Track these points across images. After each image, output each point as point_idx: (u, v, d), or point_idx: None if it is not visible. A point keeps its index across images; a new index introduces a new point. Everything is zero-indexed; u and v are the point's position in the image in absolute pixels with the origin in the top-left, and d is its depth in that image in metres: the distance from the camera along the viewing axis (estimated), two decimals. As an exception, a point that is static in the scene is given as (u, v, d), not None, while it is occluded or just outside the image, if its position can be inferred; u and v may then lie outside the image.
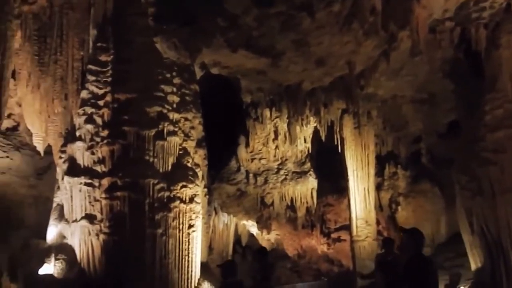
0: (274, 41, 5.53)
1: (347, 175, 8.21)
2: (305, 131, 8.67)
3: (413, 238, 3.08)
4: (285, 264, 9.14)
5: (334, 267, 9.45)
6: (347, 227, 8.69)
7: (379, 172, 9.31)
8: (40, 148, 7.54)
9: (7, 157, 8.14)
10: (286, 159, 8.87)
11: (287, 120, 7.74)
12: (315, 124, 8.44)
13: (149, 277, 6.05)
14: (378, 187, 9.24)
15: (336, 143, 8.18)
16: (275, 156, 8.80)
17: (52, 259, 6.43)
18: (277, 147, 8.74)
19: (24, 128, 8.08)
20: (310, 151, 8.98)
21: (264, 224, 8.66)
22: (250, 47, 5.59)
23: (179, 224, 6.32)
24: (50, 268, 6.38)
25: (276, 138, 8.65)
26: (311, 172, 8.87)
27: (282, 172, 8.80)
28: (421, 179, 9.33)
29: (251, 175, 8.67)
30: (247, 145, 8.64)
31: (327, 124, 8.05)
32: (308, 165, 8.92)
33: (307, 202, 8.85)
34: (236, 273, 4.10)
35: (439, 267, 7.02)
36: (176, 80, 6.74)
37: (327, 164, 9.13)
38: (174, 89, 6.70)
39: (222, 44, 5.53)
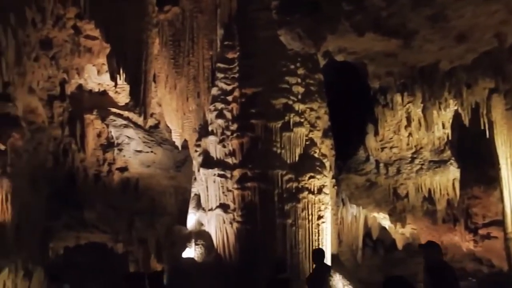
0: (406, 19, 5.28)
1: (498, 164, 7.39)
2: (444, 116, 8.08)
3: (432, 250, 3.38)
4: (422, 261, 8.69)
5: (483, 267, 8.68)
6: (499, 223, 7.85)
7: (541, 160, 8.14)
8: (178, 143, 8.62)
9: (151, 152, 9.51)
10: (421, 147, 8.40)
11: (422, 105, 7.32)
12: (455, 107, 7.79)
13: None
14: (540, 177, 8.09)
15: (482, 127, 7.42)
16: (408, 144, 8.40)
17: (193, 244, 7.32)
18: (410, 134, 8.33)
19: (164, 126, 9.32)
20: (450, 138, 8.32)
21: (397, 217, 8.39)
22: (379, 29, 5.44)
23: (308, 215, 6.59)
24: (191, 252, 7.28)
25: (409, 124, 8.25)
26: (452, 161, 8.23)
27: (417, 161, 8.37)
28: None
29: (381, 165, 8.45)
30: (376, 133, 8.43)
31: (471, 106, 7.34)
32: (448, 153, 8.29)
33: (448, 194, 8.25)
34: (286, 270, 4.22)
35: None
36: (300, 71, 6.99)
37: (472, 152, 8.34)
38: (299, 80, 6.96)
39: (347, 29, 5.51)
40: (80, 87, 9.07)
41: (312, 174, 6.71)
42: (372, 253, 9.32)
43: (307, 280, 4.63)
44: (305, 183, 6.66)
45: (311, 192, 6.66)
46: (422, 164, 8.41)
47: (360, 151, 8.69)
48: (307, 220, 6.58)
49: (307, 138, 6.88)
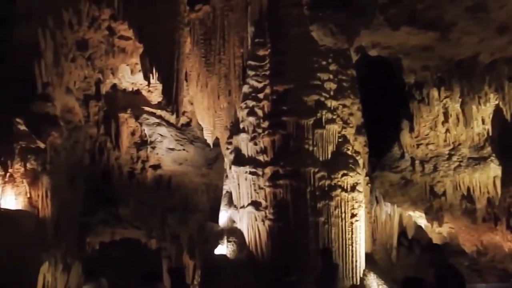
0: (443, 11, 5.15)
1: (542, 161, 7.11)
2: (484, 111, 7.81)
3: (437, 253, 3.32)
4: (461, 261, 8.46)
5: (526, 268, 8.35)
6: (544, 223, 7.55)
7: None
8: (210, 140, 8.74)
9: (184, 149, 9.67)
10: (459, 144, 8.14)
11: (460, 100, 7.10)
12: (496, 102, 7.52)
13: (313, 263, 6.42)
14: None
15: (526, 122, 7.13)
16: (445, 140, 8.16)
17: (225, 241, 7.42)
18: (447, 130, 8.10)
19: (195, 124, 9.47)
20: (490, 134, 8.03)
21: (434, 216, 8.18)
22: (414, 22, 5.33)
23: (341, 213, 6.55)
24: (223, 249, 7.38)
25: (446, 120, 8.02)
26: (492, 158, 7.93)
27: (455, 158, 8.11)
28: None
29: (417, 162, 8.26)
30: (411, 129, 8.24)
31: (514, 100, 7.10)
32: (488, 149, 8.00)
33: (488, 192, 7.97)
34: (292, 273, 4.17)
35: None
36: (332, 67, 6.93)
37: (514, 148, 8.03)
38: (331, 76, 6.90)
39: (382, 23, 5.43)
40: (114, 86, 9.32)
41: (345, 171, 6.65)
42: (407, 253, 9.14)
43: (316, 281, 4.62)
44: (338, 181, 6.61)
45: (344, 189, 6.61)
46: (461, 161, 8.14)
47: (395, 148, 8.51)
48: (340, 218, 6.53)
49: (339, 135, 6.82)
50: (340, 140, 6.82)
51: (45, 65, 7.52)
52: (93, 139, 9.21)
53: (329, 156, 6.72)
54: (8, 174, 7.15)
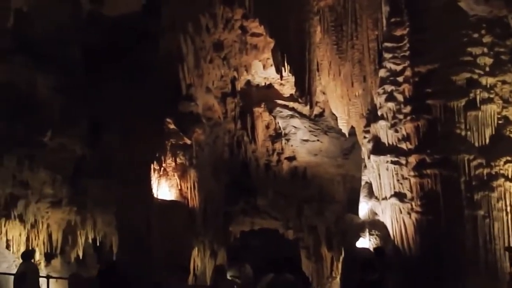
0: None
1: None
2: None
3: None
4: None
5: None
6: None
7: None
8: (345, 130, 8.54)
9: (318, 140, 9.68)
10: None
11: None
12: None
13: (471, 262, 5.85)
14: None
15: None
16: None
17: (367, 233, 7.20)
18: None
19: (329, 113, 9.37)
20: None
21: None
22: None
23: (506, 205, 5.79)
24: (365, 242, 7.17)
25: None
26: None
27: None
28: None
29: None
30: None
31: None
32: None
33: None
34: (376, 270, 3.87)
35: None
36: (486, 39, 6.12)
37: None
38: (485, 50, 6.11)
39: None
40: (248, 83, 9.78)
41: (508, 158, 5.84)
42: None
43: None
44: (500, 169, 5.84)
45: (508, 179, 5.81)
46: None
47: None
48: (504, 212, 5.77)
49: (499, 116, 6.00)
50: (500, 122, 6.00)
51: (187, 68, 8.29)
52: (231, 134, 9.82)
53: (487, 141, 5.97)
54: (162, 169, 8.12)
